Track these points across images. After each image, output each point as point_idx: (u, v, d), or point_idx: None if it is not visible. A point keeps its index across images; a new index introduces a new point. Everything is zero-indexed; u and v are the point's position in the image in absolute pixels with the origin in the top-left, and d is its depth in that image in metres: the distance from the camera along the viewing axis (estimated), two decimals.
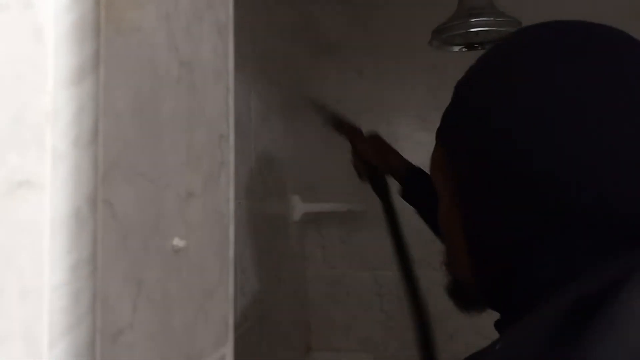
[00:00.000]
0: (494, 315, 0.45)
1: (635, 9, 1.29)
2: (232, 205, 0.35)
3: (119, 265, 0.23)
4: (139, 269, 0.24)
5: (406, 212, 1.55)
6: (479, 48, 1.08)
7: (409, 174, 0.95)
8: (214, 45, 0.33)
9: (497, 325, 0.43)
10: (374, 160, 1.02)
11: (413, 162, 1.69)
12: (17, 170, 0.20)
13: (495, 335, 0.41)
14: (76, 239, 0.20)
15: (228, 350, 0.34)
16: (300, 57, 1.54)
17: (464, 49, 1.10)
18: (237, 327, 0.97)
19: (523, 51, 0.41)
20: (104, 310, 0.21)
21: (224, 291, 0.34)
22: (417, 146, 1.67)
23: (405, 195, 0.95)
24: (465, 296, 0.50)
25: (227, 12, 0.36)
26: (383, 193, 1.04)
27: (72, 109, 0.20)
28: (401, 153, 1.74)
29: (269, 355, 1.20)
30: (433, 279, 1.57)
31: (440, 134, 0.49)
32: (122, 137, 0.23)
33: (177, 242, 0.27)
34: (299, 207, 1.45)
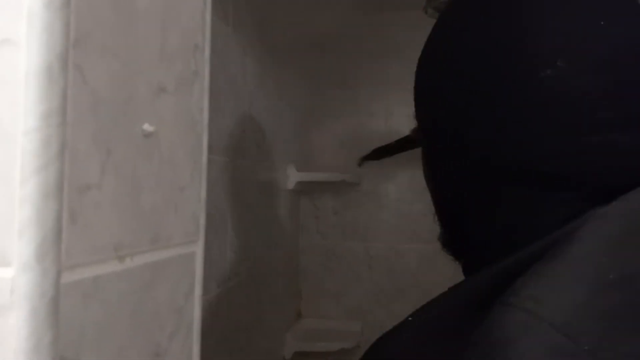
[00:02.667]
0: None
1: None
2: (206, 116, 0.37)
3: (88, 127, 0.25)
4: (107, 139, 0.26)
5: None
6: None
7: None
8: None
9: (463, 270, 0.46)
10: None
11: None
12: None
13: None
14: (47, 91, 0.22)
15: (199, 249, 0.37)
16: (299, 27, 1.55)
17: None
18: (227, 280, 1.00)
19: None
20: (73, 162, 0.24)
21: (196, 191, 0.36)
22: (415, 121, 1.69)
23: None
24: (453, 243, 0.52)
25: None
26: None
27: None
28: (398, 128, 1.75)
29: (260, 316, 1.23)
30: (423, 252, 1.59)
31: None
32: (94, 13, 0.25)
33: (147, 127, 0.29)
34: (293, 176, 1.48)
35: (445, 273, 1.20)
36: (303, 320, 1.60)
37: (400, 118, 1.59)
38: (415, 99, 0.46)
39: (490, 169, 0.37)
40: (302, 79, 1.59)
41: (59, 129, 0.23)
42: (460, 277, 0.49)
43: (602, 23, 0.34)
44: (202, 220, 0.37)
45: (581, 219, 0.32)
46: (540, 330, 0.26)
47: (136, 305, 0.30)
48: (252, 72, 1.15)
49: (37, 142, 0.22)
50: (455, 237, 0.45)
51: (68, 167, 0.23)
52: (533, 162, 0.35)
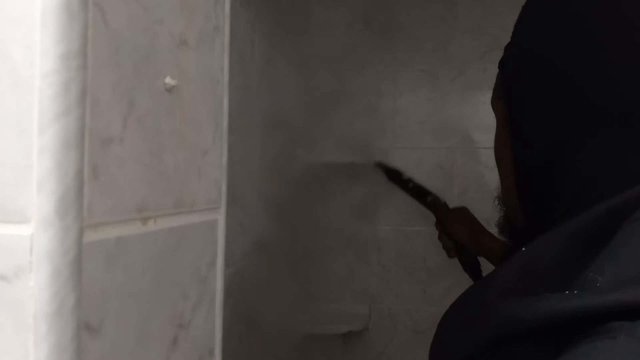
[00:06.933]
0: None
1: None
2: (226, 76, 0.35)
3: (109, 75, 0.23)
4: (129, 90, 0.24)
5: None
6: None
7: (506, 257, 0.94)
8: None
9: None
10: (465, 241, 1.01)
11: (417, 121, 1.68)
12: None
13: None
14: (66, 30, 0.20)
15: (221, 217, 0.35)
16: (307, 4, 1.52)
17: None
18: (236, 261, 0.99)
19: None
20: (94, 112, 0.22)
21: (218, 156, 0.34)
22: (423, 102, 1.66)
23: None
24: (513, 229, 0.51)
25: None
26: (475, 273, 1.01)
27: None
28: (407, 109, 1.71)
29: (269, 298, 1.22)
30: (432, 235, 1.58)
31: (501, 61, 0.49)
32: None
33: (170, 80, 0.27)
34: (301, 158, 1.46)
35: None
36: (311, 302, 1.59)
37: (409, 98, 1.56)
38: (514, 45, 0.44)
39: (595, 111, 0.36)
40: (309, 58, 1.56)
41: (79, 72, 0.21)
42: None
43: None
44: (224, 188, 0.35)
45: None
46: None
47: (160, 272, 0.28)
48: (260, 48, 1.12)
49: (56, 86, 0.20)
50: (533, 202, 0.43)
51: (89, 117, 0.21)
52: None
